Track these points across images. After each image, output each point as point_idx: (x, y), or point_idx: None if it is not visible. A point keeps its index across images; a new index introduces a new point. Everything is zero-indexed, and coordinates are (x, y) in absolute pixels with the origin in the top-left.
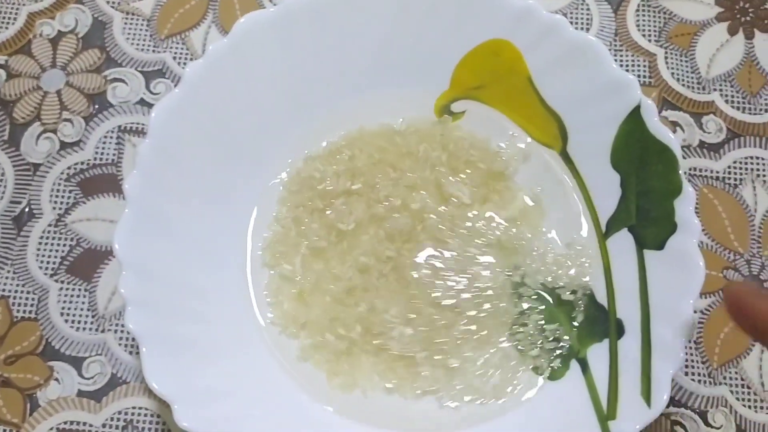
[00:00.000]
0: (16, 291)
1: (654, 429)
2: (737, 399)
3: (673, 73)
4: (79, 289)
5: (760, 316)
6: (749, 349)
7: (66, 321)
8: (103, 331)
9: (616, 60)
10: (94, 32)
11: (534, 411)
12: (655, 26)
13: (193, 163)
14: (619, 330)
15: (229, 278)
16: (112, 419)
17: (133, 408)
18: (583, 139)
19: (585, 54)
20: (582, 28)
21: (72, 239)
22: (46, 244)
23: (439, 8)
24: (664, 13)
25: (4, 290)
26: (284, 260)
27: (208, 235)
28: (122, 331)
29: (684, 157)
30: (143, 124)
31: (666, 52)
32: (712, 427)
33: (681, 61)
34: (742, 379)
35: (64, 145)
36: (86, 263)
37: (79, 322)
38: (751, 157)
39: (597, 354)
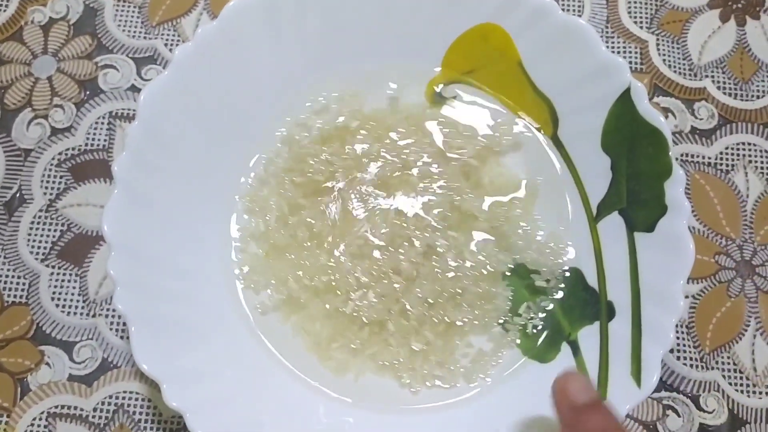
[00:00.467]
0: (6, 276)
1: (646, 413)
2: (729, 383)
3: (664, 60)
4: (70, 274)
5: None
6: (741, 333)
7: (57, 305)
8: (94, 316)
9: (607, 47)
10: (86, 19)
11: (526, 392)
12: (646, 13)
13: (182, 145)
14: (610, 312)
15: (214, 259)
16: (102, 403)
17: (124, 392)
18: (573, 123)
19: (574, 37)
20: (574, 15)
21: (63, 224)
22: (37, 229)
23: None
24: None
25: None
26: (260, 216)
27: (195, 217)
28: (113, 316)
29: (676, 143)
30: (134, 110)
31: (658, 39)
32: (704, 411)
33: (673, 47)
34: (734, 364)
35: (55, 131)
36: (77, 248)
37: (70, 306)
38: (743, 143)
39: (588, 336)
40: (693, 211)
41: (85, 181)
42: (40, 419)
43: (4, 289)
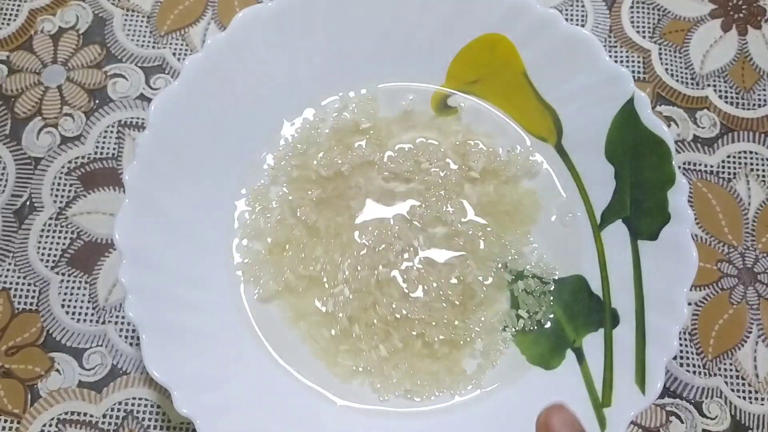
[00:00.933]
0: (17, 283)
1: (650, 419)
2: (732, 390)
3: (667, 69)
4: (80, 282)
5: None
6: (743, 340)
7: (67, 313)
8: (103, 323)
9: (610, 56)
10: (95, 28)
11: (530, 400)
12: (649, 23)
13: (191, 155)
14: (614, 319)
15: (224, 268)
16: (112, 409)
17: (134, 398)
18: (577, 132)
19: (579, 48)
20: (577, 25)
21: (73, 232)
22: (47, 236)
23: (434, 3)
24: (658, 9)
25: (5, 282)
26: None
27: (205, 225)
28: (123, 323)
29: (678, 152)
30: (143, 119)
31: (660, 48)
32: (707, 417)
33: (675, 57)
34: (737, 370)
35: (64, 140)
36: (87, 256)
37: (79, 313)
38: (745, 152)
39: (592, 343)
40: (695, 219)
41: (95, 189)
42: (50, 425)
43: (15, 296)
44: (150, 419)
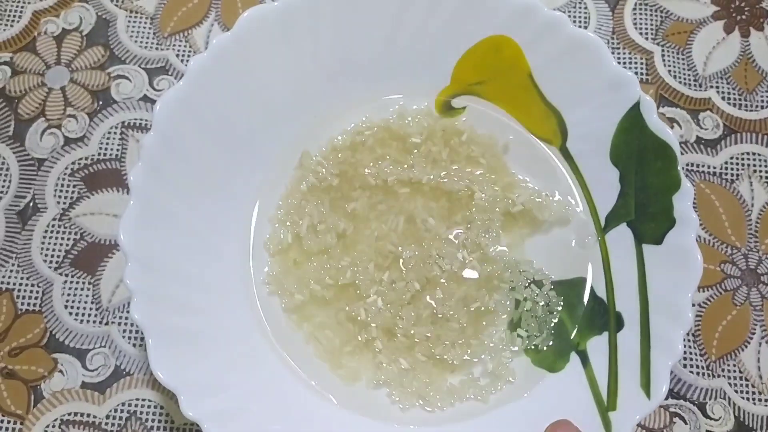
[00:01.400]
0: (20, 284)
1: (654, 421)
2: (735, 391)
3: (670, 71)
4: (83, 283)
5: None
6: (747, 341)
7: (70, 314)
8: (107, 324)
9: (613, 58)
10: (98, 30)
11: (534, 403)
12: (651, 24)
13: (197, 156)
14: (619, 323)
15: (230, 270)
16: (115, 411)
17: (137, 399)
18: (582, 135)
19: (585, 51)
20: (579, 27)
21: (76, 233)
22: (50, 237)
23: (440, 4)
24: (661, 11)
25: (8, 283)
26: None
27: (211, 227)
28: (126, 324)
29: (681, 153)
30: (147, 120)
31: (663, 50)
32: (710, 418)
33: (678, 58)
34: (740, 372)
35: (68, 141)
36: (90, 257)
37: (83, 314)
38: (748, 153)
39: (596, 346)
40: (698, 221)
41: (98, 190)
42: (54, 426)
43: (18, 297)
44: (153, 420)
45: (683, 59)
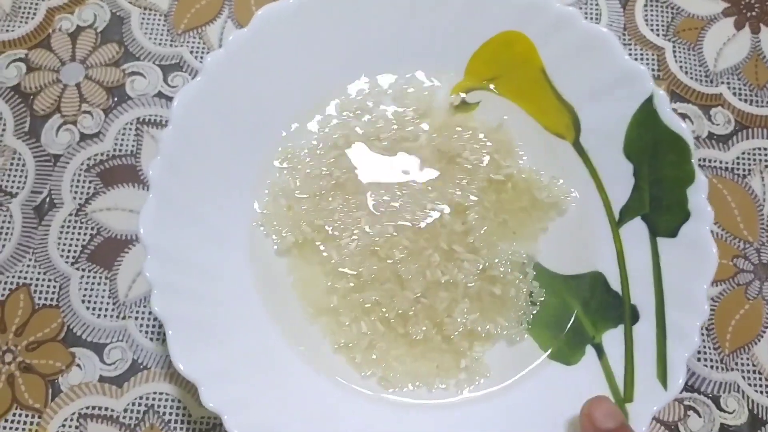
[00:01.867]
0: (37, 279)
1: (668, 414)
2: (749, 384)
3: (681, 67)
4: (100, 277)
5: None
6: (760, 335)
7: (87, 308)
8: (124, 318)
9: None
10: (113, 27)
11: (550, 395)
12: (662, 21)
13: (213, 150)
14: (634, 315)
15: (243, 263)
16: (133, 404)
17: (154, 393)
18: (595, 130)
19: (597, 46)
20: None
21: (92, 228)
22: (67, 233)
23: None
24: (672, 8)
25: (26, 278)
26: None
27: (226, 221)
28: (143, 318)
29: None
30: (162, 116)
31: (674, 46)
32: (724, 411)
33: (689, 54)
34: (754, 365)
35: (83, 137)
36: (107, 251)
37: (100, 309)
38: (759, 148)
39: (612, 339)
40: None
41: (114, 185)
42: (72, 420)
43: (35, 292)
44: (171, 414)
45: (694, 55)
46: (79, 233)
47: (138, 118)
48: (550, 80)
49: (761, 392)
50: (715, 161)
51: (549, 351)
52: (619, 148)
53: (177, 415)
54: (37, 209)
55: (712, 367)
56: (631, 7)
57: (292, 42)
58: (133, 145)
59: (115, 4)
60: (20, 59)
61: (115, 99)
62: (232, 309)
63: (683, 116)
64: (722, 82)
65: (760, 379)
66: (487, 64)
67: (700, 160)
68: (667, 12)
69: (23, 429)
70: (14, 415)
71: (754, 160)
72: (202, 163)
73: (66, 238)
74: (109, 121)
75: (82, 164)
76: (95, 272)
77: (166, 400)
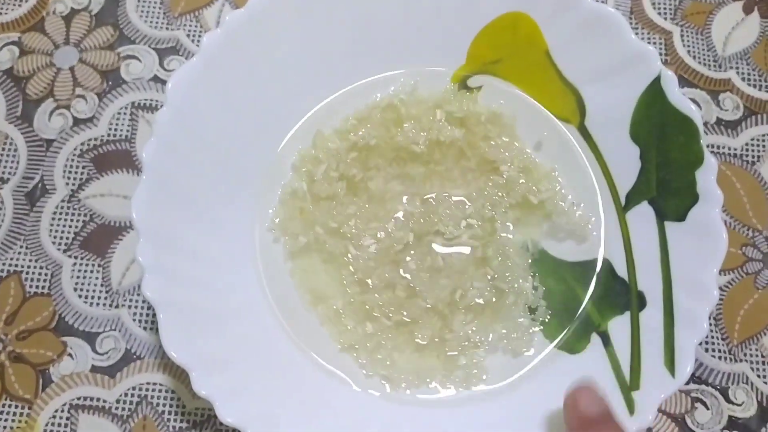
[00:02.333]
0: (29, 266)
1: (675, 406)
2: (758, 375)
3: (689, 51)
4: (93, 265)
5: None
6: None
7: (80, 296)
8: (117, 307)
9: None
10: (107, 9)
11: (555, 385)
12: (670, 4)
13: (210, 132)
14: (641, 302)
15: (239, 247)
16: (126, 395)
17: (148, 384)
18: (601, 113)
19: (603, 25)
20: None
21: (85, 215)
22: (59, 219)
23: None
24: None
25: (17, 265)
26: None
27: (222, 204)
28: (137, 307)
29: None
30: (157, 101)
31: (682, 30)
32: (733, 403)
33: (697, 39)
34: (763, 356)
35: (77, 121)
36: (100, 239)
37: (92, 297)
38: None
39: (618, 326)
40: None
41: (108, 171)
42: (62, 411)
43: (26, 279)
44: (164, 404)
45: (702, 40)
46: (71, 220)
47: (133, 103)
48: (555, 62)
49: None
50: (723, 147)
51: (555, 340)
52: (626, 130)
53: (171, 406)
54: (29, 195)
55: (720, 358)
56: None
57: (291, 22)
58: (127, 130)
59: None
60: (13, 42)
61: (110, 83)
62: (228, 295)
63: (691, 102)
64: (731, 67)
65: None
66: (490, 47)
67: (708, 146)
68: None
69: (13, 420)
70: (3, 405)
71: (763, 146)
72: (199, 146)
73: (58, 225)
74: (104, 105)
75: (75, 149)
76: (88, 260)
77: (160, 390)
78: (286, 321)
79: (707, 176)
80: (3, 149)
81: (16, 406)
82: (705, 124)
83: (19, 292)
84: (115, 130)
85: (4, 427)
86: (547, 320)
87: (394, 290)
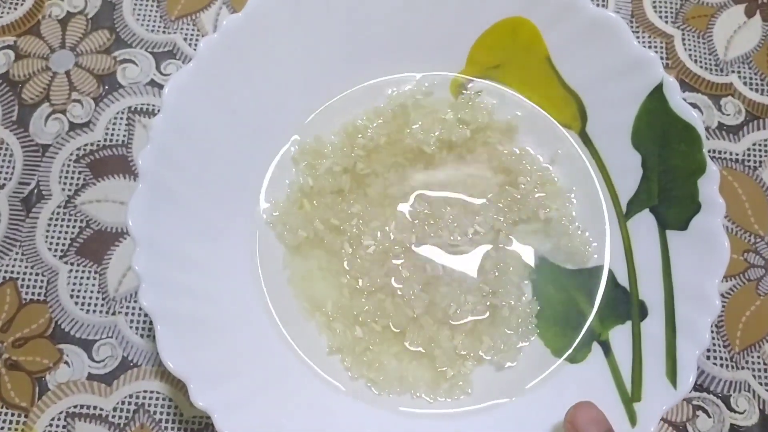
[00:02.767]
0: (24, 273)
1: (676, 414)
2: (760, 383)
3: (690, 55)
4: (89, 271)
5: None
6: None
7: (76, 303)
8: (113, 314)
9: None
10: (104, 13)
11: (555, 394)
12: (671, 8)
13: (206, 138)
14: (642, 311)
15: (237, 257)
16: (123, 403)
17: (145, 392)
18: (603, 119)
19: (605, 31)
20: None
21: (82, 221)
22: (55, 225)
23: None
24: None
25: (12, 272)
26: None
27: (219, 213)
28: (134, 314)
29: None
30: (154, 105)
31: (683, 34)
32: (735, 411)
33: (698, 42)
34: (765, 364)
35: (73, 126)
36: (96, 245)
37: (89, 304)
38: None
39: (619, 336)
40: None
41: (104, 176)
42: (59, 419)
43: (22, 286)
44: (162, 413)
45: (704, 43)
46: (67, 226)
47: (129, 107)
48: (556, 68)
49: None
50: (725, 152)
51: (554, 349)
52: (627, 137)
53: (168, 414)
54: (25, 201)
55: (721, 365)
56: None
57: (289, 26)
58: (124, 135)
59: None
60: (8, 46)
61: (106, 87)
62: (226, 305)
63: (693, 106)
64: (732, 71)
65: None
66: (490, 52)
67: (710, 151)
68: None
69: (9, 428)
70: None
71: (765, 151)
72: (195, 153)
73: (54, 231)
74: (100, 110)
75: (71, 155)
76: (84, 266)
77: (157, 398)
78: (286, 330)
79: (709, 185)
80: None
81: (12, 414)
82: (706, 128)
83: (15, 299)
84: (112, 135)
85: None
86: (545, 330)
87: (384, 297)
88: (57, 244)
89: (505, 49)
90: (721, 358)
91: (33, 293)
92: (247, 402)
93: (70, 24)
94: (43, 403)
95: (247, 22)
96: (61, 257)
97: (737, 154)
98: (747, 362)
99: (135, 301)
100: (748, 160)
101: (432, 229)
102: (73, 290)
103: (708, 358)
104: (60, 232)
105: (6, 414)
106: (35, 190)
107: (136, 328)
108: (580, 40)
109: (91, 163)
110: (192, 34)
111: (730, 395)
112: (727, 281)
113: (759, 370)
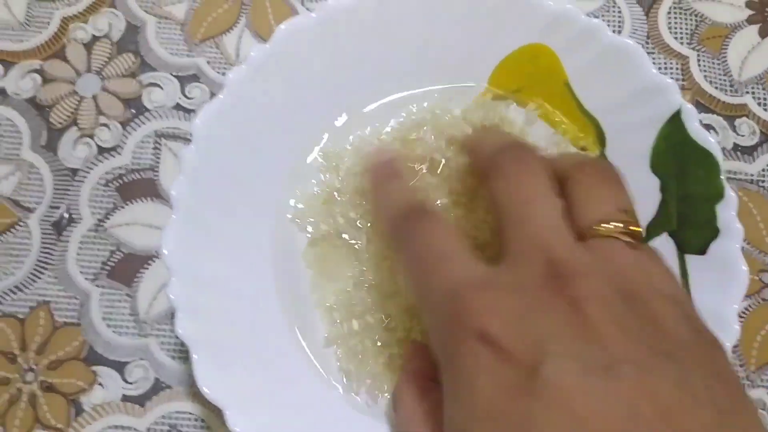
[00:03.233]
0: (57, 296)
1: None
2: None
3: (705, 76)
4: (120, 294)
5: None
6: None
7: (108, 326)
8: (145, 336)
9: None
10: (128, 36)
11: None
12: (686, 29)
13: (236, 169)
14: None
15: (271, 284)
16: (156, 423)
17: (177, 413)
18: (621, 144)
19: (623, 58)
20: (614, 31)
21: (112, 244)
22: (86, 249)
23: (478, 12)
24: (696, 15)
25: (45, 296)
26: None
27: (253, 240)
28: (164, 336)
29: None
30: (180, 129)
31: (698, 55)
32: None
33: (713, 63)
34: None
35: (101, 150)
36: (126, 268)
37: (120, 327)
38: None
39: None
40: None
41: (133, 200)
42: None
43: (56, 309)
44: None
45: (719, 64)
46: (98, 249)
47: (156, 131)
48: (574, 93)
49: None
50: (740, 173)
51: None
52: (646, 162)
53: None
54: (56, 225)
55: None
56: (654, 14)
57: (315, 57)
58: (151, 159)
59: (130, 13)
60: (35, 70)
61: (133, 111)
62: (259, 331)
63: (708, 127)
64: (747, 92)
65: None
66: (511, 77)
67: (725, 172)
68: (691, 20)
69: None
70: None
71: None
72: (225, 182)
73: (85, 255)
74: (127, 133)
75: (100, 178)
76: (115, 289)
77: (190, 419)
78: (316, 358)
79: (728, 211)
80: (29, 179)
81: None
82: (722, 149)
83: (49, 322)
84: (139, 158)
85: None
86: None
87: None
88: (88, 267)
89: (525, 73)
90: None
91: (66, 316)
92: (285, 428)
93: (95, 48)
94: (79, 424)
95: (274, 53)
96: (92, 280)
97: (752, 175)
98: (762, 381)
99: (165, 324)
100: (763, 181)
101: None
102: (104, 313)
103: None
104: (91, 255)
105: None
106: (65, 214)
107: (167, 350)
108: (599, 66)
109: (119, 187)
110: (215, 58)
111: None
112: (742, 301)
113: None
